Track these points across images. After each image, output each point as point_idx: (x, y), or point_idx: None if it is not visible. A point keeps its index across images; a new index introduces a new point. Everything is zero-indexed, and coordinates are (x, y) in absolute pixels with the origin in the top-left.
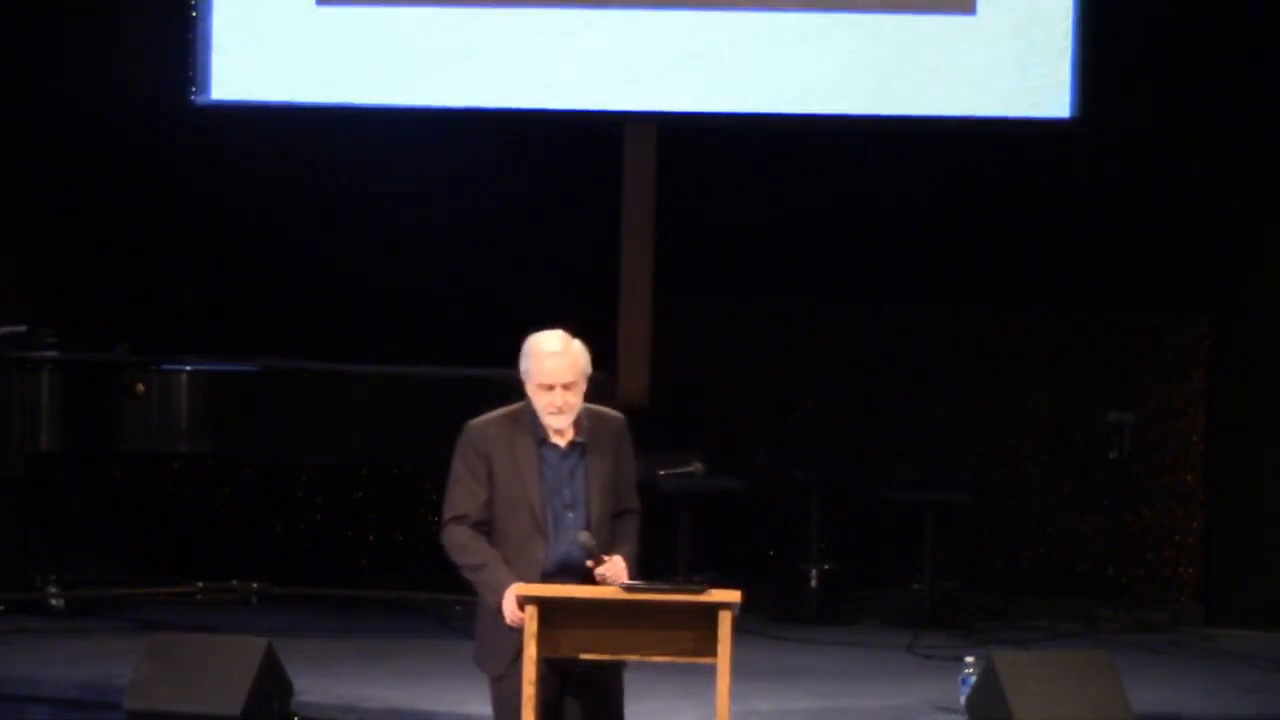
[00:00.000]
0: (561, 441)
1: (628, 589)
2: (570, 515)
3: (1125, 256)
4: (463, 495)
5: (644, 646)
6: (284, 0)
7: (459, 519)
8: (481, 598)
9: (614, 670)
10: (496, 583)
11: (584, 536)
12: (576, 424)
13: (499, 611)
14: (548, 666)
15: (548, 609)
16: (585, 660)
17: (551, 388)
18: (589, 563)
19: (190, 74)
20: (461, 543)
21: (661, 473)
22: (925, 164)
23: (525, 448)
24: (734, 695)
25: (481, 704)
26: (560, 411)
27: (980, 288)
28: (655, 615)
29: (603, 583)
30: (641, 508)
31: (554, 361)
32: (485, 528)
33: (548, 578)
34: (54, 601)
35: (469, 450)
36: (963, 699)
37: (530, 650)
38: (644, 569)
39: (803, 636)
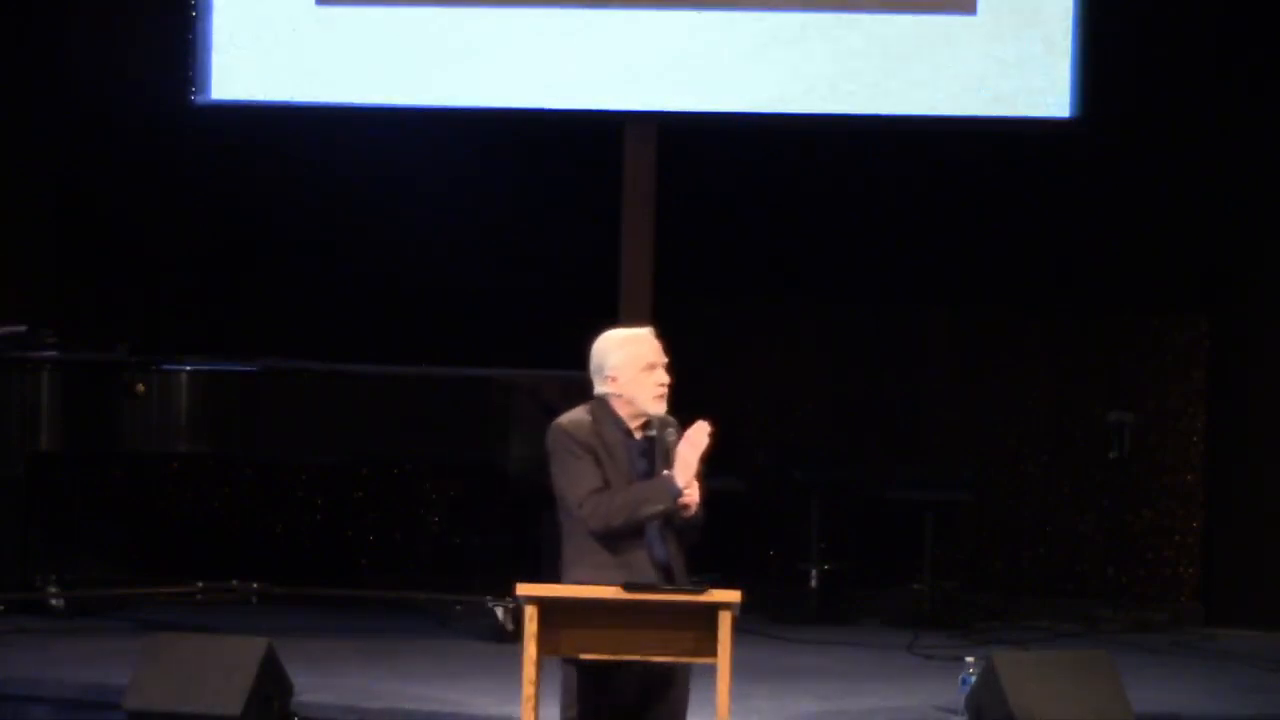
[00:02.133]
0: (638, 435)
1: (628, 589)
2: None
3: (1125, 256)
4: (586, 474)
5: (644, 646)
6: (284, 0)
7: (595, 492)
8: None
9: (683, 674)
10: (650, 488)
11: (667, 429)
12: (645, 420)
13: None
14: (622, 668)
15: (548, 609)
16: (661, 663)
17: (655, 366)
18: (664, 471)
19: (190, 74)
20: (606, 503)
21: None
22: (925, 164)
23: (616, 440)
24: (734, 695)
25: (481, 704)
26: (664, 392)
27: (980, 288)
28: (655, 615)
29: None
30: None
31: (645, 345)
32: None
33: (659, 569)
34: (54, 601)
35: (570, 442)
36: (963, 699)
37: (530, 650)
38: None
39: (803, 636)
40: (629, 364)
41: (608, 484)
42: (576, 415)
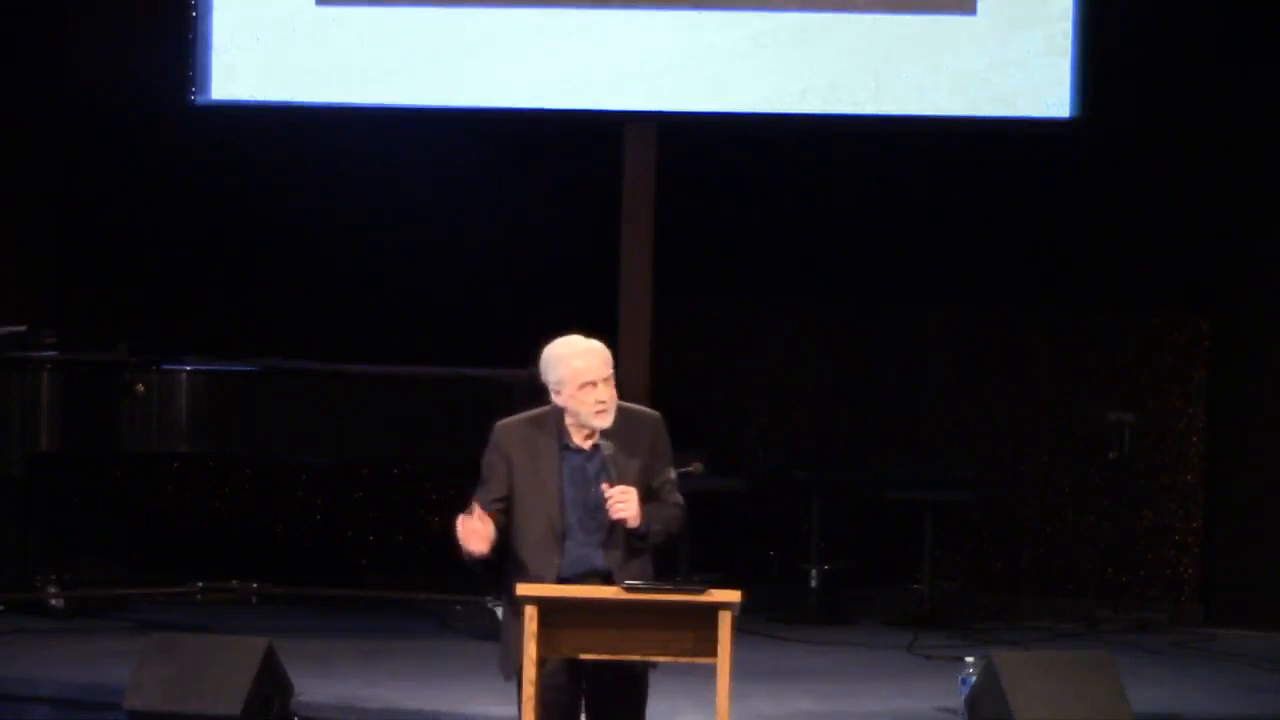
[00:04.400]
0: (586, 445)
1: (628, 589)
2: (591, 520)
3: (1125, 256)
4: (480, 491)
5: (644, 646)
6: (284, 0)
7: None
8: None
9: (640, 671)
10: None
11: (606, 445)
12: (593, 435)
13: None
14: (572, 665)
15: (548, 609)
16: (611, 661)
17: (594, 384)
18: (604, 485)
19: (190, 74)
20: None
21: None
22: (925, 164)
23: (548, 451)
24: (734, 695)
25: (481, 704)
26: (605, 408)
27: (980, 288)
28: (655, 615)
29: (609, 500)
30: (683, 504)
31: (586, 360)
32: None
33: (565, 583)
34: (54, 601)
35: (493, 450)
36: (963, 699)
37: (530, 650)
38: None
39: (803, 636)
40: (569, 381)
41: (509, 495)
42: (519, 417)
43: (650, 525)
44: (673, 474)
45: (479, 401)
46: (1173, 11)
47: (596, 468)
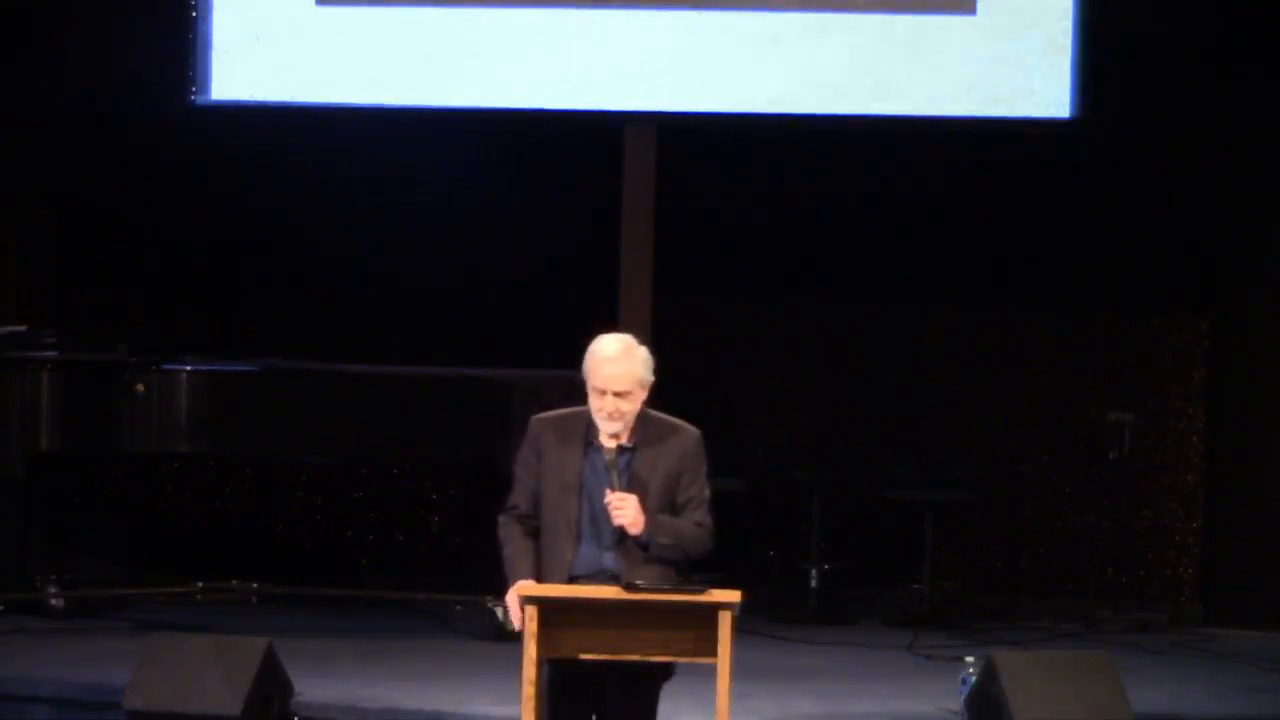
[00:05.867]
0: (610, 444)
1: (627, 588)
2: (604, 520)
3: (1125, 256)
4: (517, 487)
5: (644, 646)
6: (284, 0)
7: (509, 509)
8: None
9: (651, 676)
10: (509, 580)
11: (609, 450)
12: (629, 429)
13: None
14: (587, 668)
15: (548, 608)
16: (625, 663)
17: (604, 393)
18: (608, 490)
19: (190, 74)
20: (502, 535)
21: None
22: (925, 164)
23: (573, 448)
24: (734, 695)
25: (481, 704)
26: (612, 418)
27: (980, 288)
28: (655, 615)
29: (608, 505)
30: (711, 526)
31: (610, 369)
32: (534, 521)
33: (575, 580)
34: (54, 601)
35: (526, 444)
36: (963, 699)
37: (530, 650)
38: None
39: (803, 636)
40: (589, 381)
41: (537, 492)
42: (554, 414)
43: (655, 536)
44: (705, 493)
45: (479, 401)
46: (1172, 12)
47: (617, 470)
